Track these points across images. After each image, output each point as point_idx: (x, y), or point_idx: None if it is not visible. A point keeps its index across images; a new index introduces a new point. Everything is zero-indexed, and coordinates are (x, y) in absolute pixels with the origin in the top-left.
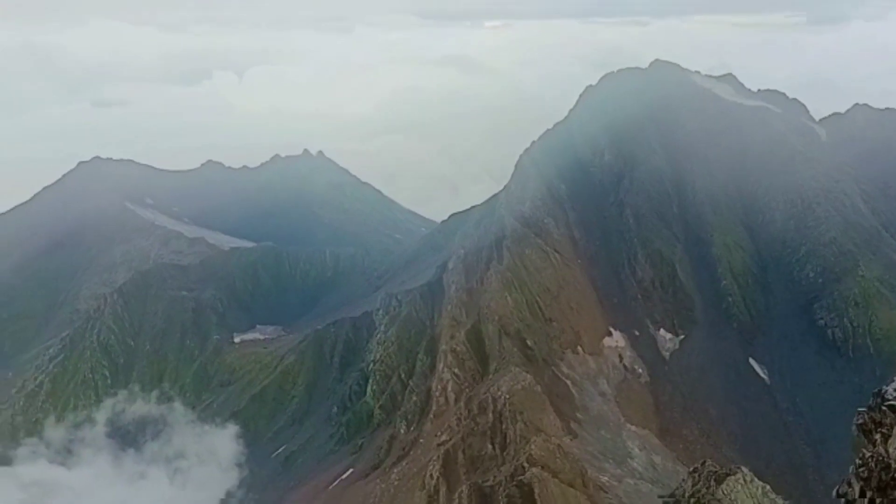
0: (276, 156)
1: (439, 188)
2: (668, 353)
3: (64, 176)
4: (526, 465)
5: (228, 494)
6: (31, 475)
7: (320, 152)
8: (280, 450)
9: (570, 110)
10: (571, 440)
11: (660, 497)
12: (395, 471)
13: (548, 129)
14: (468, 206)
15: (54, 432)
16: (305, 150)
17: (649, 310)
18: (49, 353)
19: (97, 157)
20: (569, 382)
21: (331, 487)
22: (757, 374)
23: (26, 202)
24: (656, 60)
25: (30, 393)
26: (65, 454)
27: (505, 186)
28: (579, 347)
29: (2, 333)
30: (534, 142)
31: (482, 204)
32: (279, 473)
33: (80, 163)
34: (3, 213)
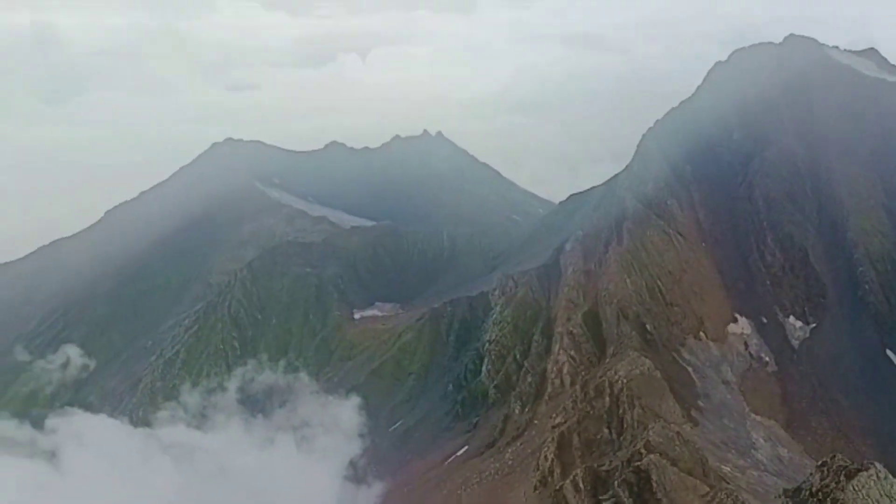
0: (397, 136)
1: (559, 169)
2: (797, 342)
3: (198, 157)
4: (643, 451)
5: (352, 463)
6: (172, 437)
7: (439, 133)
8: (397, 424)
9: (698, 88)
10: (692, 428)
11: (785, 490)
12: (510, 450)
13: (673, 108)
14: (588, 187)
15: (190, 398)
16: (425, 131)
17: (778, 296)
18: (184, 324)
19: (229, 139)
20: (690, 369)
21: (446, 463)
22: (894, 365)
23: (164, 181)
24: (791, 35)
25: (167, 361)
26: (200, 418)
27: (626, 167)
28: (702, 333)
29: (142, 305)
30: (658, 121)
31: (602, 185)
32: (396, 447)
33: (214, 144)
34: (144, 192)
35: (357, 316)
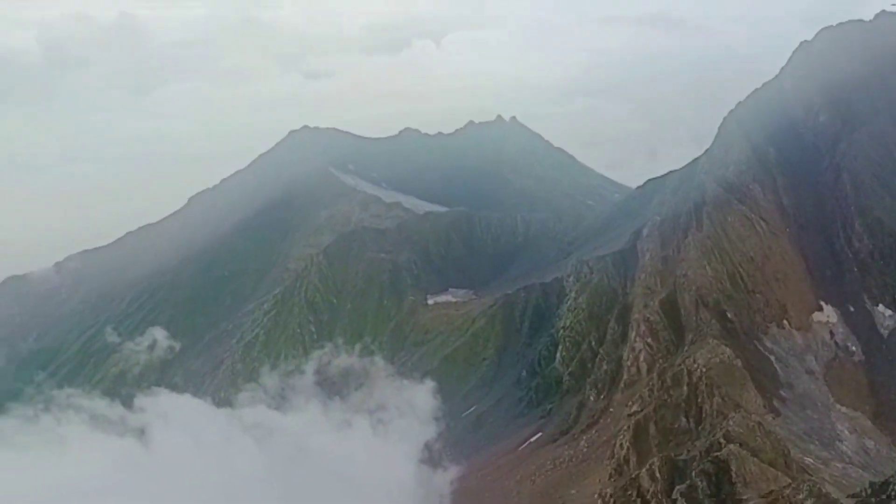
0: (470, 122)
1: (637, 152)
2: (886, 331)
3: (276, 144)
4: (722, 441)
5: (427, 446)
6: (253, 418)
7: (513, 118)
8: (471, 409)
9: (782, 68)
10: (773, 418)
11: (871, 484)
12: (584, 438)
13: (756, 89)
14: (666, 171)
15: (269, 380)
16: (499, 116)
17: (866, 284)
18: (263, 308)
19: (305, 126)
20: (772, 358)
21: (519, 449)
22: None
23: (244, 169)
24: (882, 12)
25: (247, 343)
26: (279, 400)
27: (707, 150)
28: (785, 321)
29: (224, 289)
30: (740, 102)
31: (681, 168)
32: (470, 432)
33: (291, 132)
34: (225, 179)
35: (430, 301)
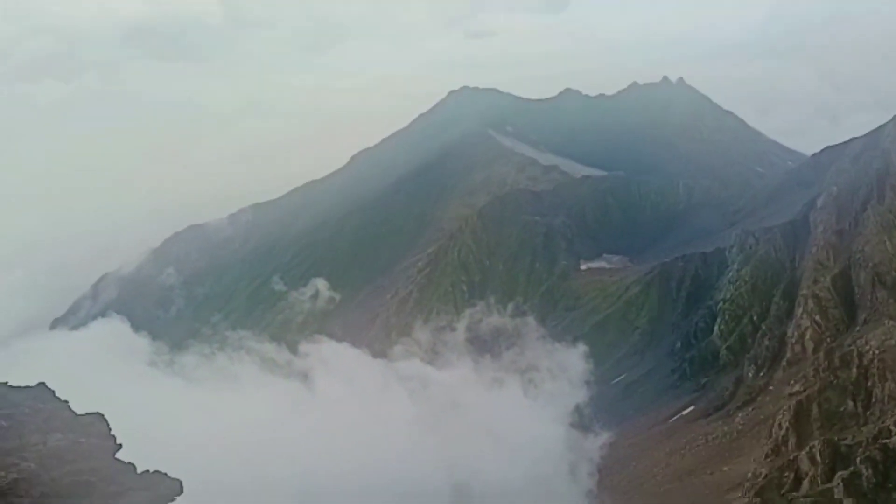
0: (634, 83)
1: (815, 118)
2: None
3: (436, 104)
4: (893, 427)
5: (577, 410)
6: (407, 370)
7: (680, 79)
8: (620, 377)
9: None
10: None
11: None
12: (740, 415)
13: None
14: (847, 139)
15: (421, 334)
16: (665, 78)
17: None
18: (417, 266)
19: (465, 87)
20: None
21: (670, 421)
22: None
23: (404, 128)
24: None
25: (401, 299)
26: (431, 354)
27: (894, 116)
28: None
29: (380, 246)
30: None
31: (864, 136)
32: (619, 400)
33: (451, 92)
34: (386, 138)
35: (584, 267)
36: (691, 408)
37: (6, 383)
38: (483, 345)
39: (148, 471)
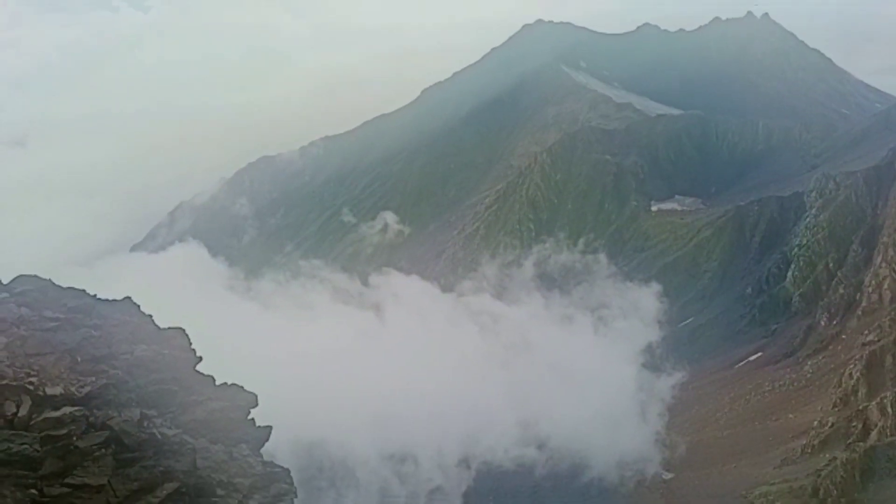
0: (716, 18)
1: None
2: None
3: (509, 38)
4: None
5: (648, 349)
6: (477, 305)
7: (766, 15)
8: (688, 320)
9: None
10: None
11: None
12: (810, 363)
13: None
14: None
15: (488, 269)
16: (749, 13)
17: None
18: (485, 203)
19: (539, 20)
20: None
21: (737, 366)
22: None
23: (476, 63)
24: None
25: (468, 235)
26: (499, 289)
27: None
28: None
29: (450, 180)
30: None
31: None
32: (685, 343)
33: (525, 26)
34: (457, 73)
35: (654, 208)
36: (759, 354)
37: (95, 296)
38: (552, 281)
39: (226, 383)
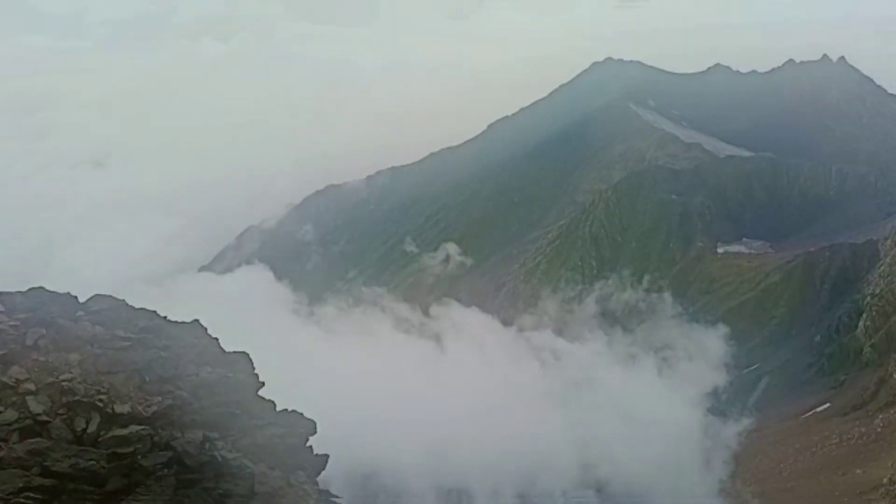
0: (790, 61)
1: None
2: None
3: (577, 75)
4: None
5: (714, 393)
6: (538, 340)
7: (842, 58)
8: (753, 367)
9: None
10: None
11: None
12: (880, 417)
13: None
14: None
15: (549, 304)
16: (825, 56)
17: None
18: (547, 238)
19: (609, 59)
20: None
21: (804, 417)
22: None
23: (543, 98)
24: None
25: (529, 269)
26: (561, 326)
27: None
28: None
29: (512, 214)
30: None
31: None
32: (749, 390)
33: (594, 63)
34: (524, 108)
35: (721, 250)
36: (827, 405)
37: (165, 317)
38: (614, 319)
39: (287, 409)
